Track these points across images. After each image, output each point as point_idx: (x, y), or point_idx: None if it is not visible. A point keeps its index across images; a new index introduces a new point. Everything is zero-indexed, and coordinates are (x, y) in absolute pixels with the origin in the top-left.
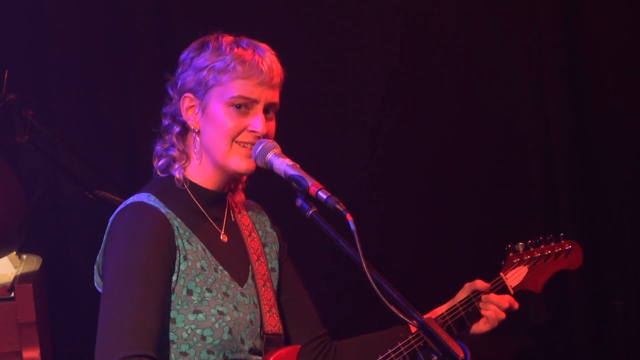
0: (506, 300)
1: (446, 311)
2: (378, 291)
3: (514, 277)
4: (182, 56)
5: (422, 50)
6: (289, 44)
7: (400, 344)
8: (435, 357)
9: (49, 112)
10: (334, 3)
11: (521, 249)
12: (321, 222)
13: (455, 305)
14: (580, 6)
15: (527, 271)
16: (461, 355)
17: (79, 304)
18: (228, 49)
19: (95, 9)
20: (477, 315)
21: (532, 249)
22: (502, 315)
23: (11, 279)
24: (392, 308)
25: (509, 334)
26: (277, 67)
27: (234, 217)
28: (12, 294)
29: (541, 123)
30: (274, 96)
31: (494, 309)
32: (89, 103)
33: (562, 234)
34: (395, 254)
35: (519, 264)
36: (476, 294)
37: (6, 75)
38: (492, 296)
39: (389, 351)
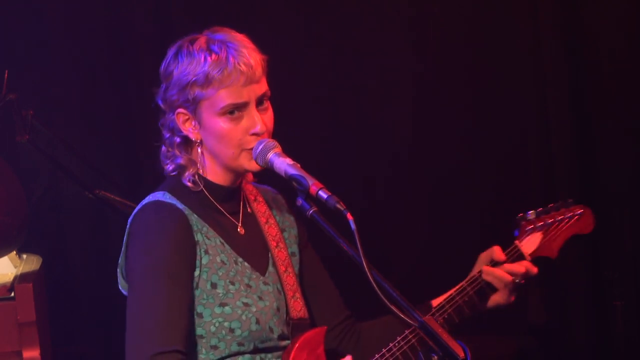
0: (523, 265)
1: (466, 281)
2: (378, 291)
3: (529, 244)
4: (161, 69)
5: (422, 51)
6: (289, 44)
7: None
8: (436, 357)
9: (49, 112)
10: (334, 3)
11: (533, 217)
12: (321, 221)
13: (475, 275)
14: (580, 6)
15: (541, 237)
16: (461, 355)
17: (79, 304)
18: (202, 58)
19: (95, 9)
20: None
21: (543, 216)
22: (509, 278)
23: (11, 278)
24: (392, 308)
25: (509, 334)
26: (255, 59)
27: (250, 208)
28: (12, 294)
29: (541, 123)
30: (261, 87)
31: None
32: (89, 103)
33: (570, 200)
34: (395, 254)
35: (533, 230)
36: (494, 264)
37: (6, 75)
38: (506, 266)
39: (406, 332)
